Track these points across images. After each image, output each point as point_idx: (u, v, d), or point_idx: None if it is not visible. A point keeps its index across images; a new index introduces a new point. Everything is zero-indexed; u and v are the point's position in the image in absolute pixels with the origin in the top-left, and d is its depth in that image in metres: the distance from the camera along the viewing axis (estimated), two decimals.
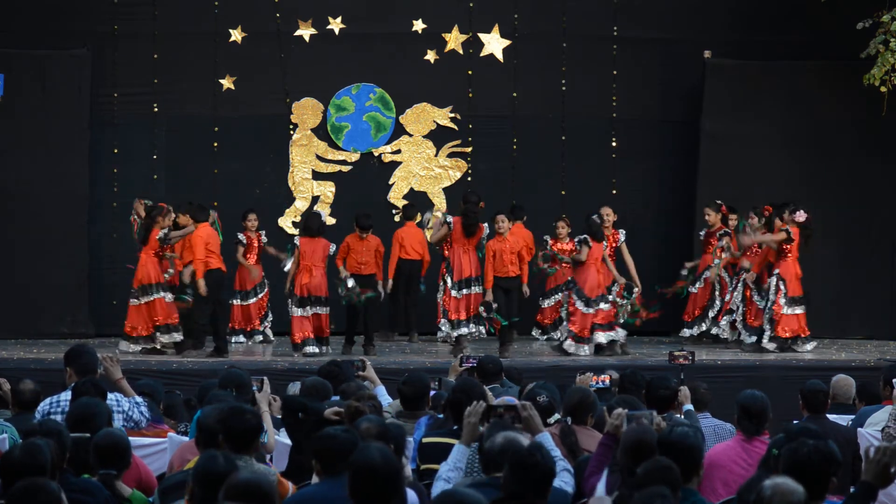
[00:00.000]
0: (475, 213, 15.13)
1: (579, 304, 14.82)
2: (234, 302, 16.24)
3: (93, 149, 17.00)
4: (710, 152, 17.44)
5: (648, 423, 6.65)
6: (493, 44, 17.82)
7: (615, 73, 17.86)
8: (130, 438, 7.17)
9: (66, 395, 8.07)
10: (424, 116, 17.77)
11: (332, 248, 14.89)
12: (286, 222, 17.56)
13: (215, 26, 17.39)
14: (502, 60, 17.82)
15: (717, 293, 16.27)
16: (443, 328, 15.35)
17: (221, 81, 17.44)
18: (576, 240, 15.17)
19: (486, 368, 10.01)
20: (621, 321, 15.23)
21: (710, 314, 16.31)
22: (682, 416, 8.61)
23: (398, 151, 17.78)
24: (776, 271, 15.29)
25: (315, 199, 17.65)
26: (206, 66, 17.41)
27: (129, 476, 6.89)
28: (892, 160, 17.43)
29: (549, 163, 17.82)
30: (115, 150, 17.25)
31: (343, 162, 17.73)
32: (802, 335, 15.37)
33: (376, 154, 17.77)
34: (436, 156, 17.80)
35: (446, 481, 6.37)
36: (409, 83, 17.67)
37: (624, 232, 16.01)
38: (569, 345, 14.83)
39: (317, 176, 17.71)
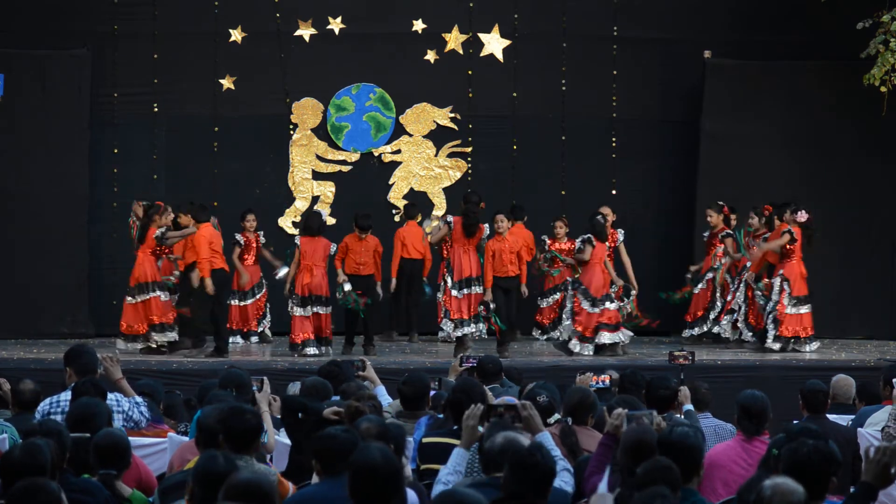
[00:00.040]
0: (476, 214, 15.11)
1: (585, 305, 14.77)
2: (232, 302, 16.23)
3: (93, 149, 16.99)
4: (710, 152, 17.44)
5: (648, 423, 6.65)
6: (493, 44, 17.82)
7: (615, 73, 17.86)
8: (130, 438, 7.17)
9: (66, 395, 8.07)
10: (424, 116, 17.77)
11: (333, 247, 14.87)
12: (286, 222, 17.55)
13: (215, 26, 17.39)
14: (502, 60, 17.82)
15: (718, 294, 16.26)
16: (445, 328, 15.34)
17: (221, 81, 17.43)
18: (578, 239, 15.14)
19: (486, 368, 10.01)
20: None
21: (712, 315, 16.31)
22: (683, 416, 8.61)
23: (398, 151, 17.78)
24: (780, 272, 15.29)
25: (315, 199, 17.64)
26: (206, 66, 17.41)
27: (129, 476, 6.89)
28: (892, 160, 17.43)
29: (549, 163, 17.81)
30: (115, 150, 17.25)
31: (343, 162, 17.73)
32: (803, 335, 15.35)
33: (376, 154, 17.77)
34: (436, 156, 17.79)
35: (445, 485, 6.35)
36: (409, 83, 17.67)
37: (622, 232, 15.95)
38: (574, 344, 14.81)
39: (317, 176, 17.70)
